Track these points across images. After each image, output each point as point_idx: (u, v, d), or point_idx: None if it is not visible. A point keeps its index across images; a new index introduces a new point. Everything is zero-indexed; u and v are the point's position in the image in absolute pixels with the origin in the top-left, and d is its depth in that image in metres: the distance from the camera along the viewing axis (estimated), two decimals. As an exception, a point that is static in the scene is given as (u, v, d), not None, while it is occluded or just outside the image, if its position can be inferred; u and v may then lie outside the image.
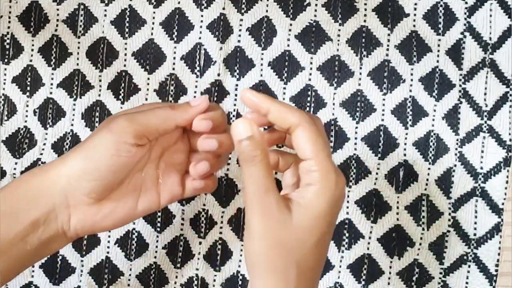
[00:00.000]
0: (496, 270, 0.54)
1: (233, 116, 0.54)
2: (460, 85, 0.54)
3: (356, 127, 0.55)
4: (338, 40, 0.55)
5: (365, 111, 0.54)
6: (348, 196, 0.54)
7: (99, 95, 0.55)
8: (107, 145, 0.38)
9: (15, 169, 0.54)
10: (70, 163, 0.38)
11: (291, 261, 0.36)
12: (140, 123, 0.39)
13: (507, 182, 0.54)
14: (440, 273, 0.54)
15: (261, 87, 0.55)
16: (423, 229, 0.54)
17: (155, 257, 0.55)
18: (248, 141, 0.37)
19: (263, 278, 0.36)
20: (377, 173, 0.55)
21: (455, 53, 0.54)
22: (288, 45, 0.55)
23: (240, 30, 0.55)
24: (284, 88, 0.55)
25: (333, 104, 0.55)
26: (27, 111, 0.55)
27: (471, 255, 0.54)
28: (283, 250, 0.36)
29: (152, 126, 0.39)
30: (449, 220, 0.54)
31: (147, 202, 0.41)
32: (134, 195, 0.41)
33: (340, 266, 0.55)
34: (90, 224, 0.40)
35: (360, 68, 0.54)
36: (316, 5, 0.55)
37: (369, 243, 0.55)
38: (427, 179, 0.54)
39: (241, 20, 0.55)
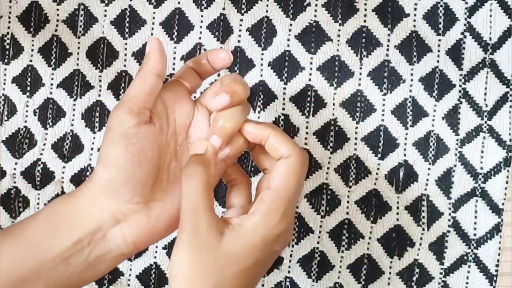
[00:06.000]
0: (496, 270, 0.54)
1: (233, 116, 0.54)
2: (460, 85, 0.54)
3: (356, 127, 0.55)
4: (338, 40, 0.55)
5: (365, 111, 0.54)
6: (348, 196, 0.55)
7: (99, 95, 0.55)
8: (116, 142, 0.37)
9: (15, 169, 0.54)
10: (95, 178, 0.37)
11: (209, 283, 0.35)
12: (128, 100, 0.38)
13: (507, 182, 0.54)
14: (440, 273, 0.54)
15: (261, 87, 0.55)
16: (423, 229, 0.54)
17: (155, 257, 0.55)
18: (197, 156, 0.37)
19: None
20: (377, 173, 0.55)
21: (455, 53, 0.54)
22: (288, 45, 0.55)
23: (240, 30, 0.55)
24: (284, 88, 0.55)
25: (333, 104, 0.55)
26: (27, 111, 0.55)
27: (471, 255, 0.54)
28: (204, 271, 0.35)
29: (138, 93, 0.38)
30: (449, 220, 0.54)
31: None
32: (178, 186, 0.39)
33: (340, 266, 0.55)
34: (146, 232, 0.38)
35: (360, 68, 0.54)
36: (316, 5, 0.55)
37: (369, 243, 0.55)
38: (427, 179, 0.54)
39: (241, 20, 0.55)
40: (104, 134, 0.38)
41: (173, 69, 0.55)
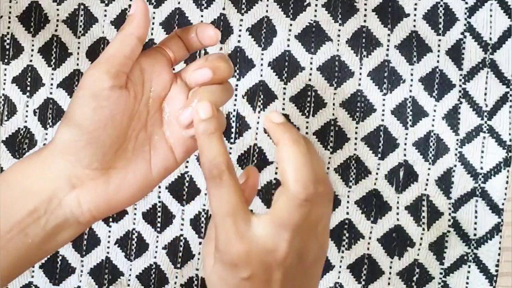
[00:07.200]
0: (497, 271, 0.54)
1: (233, 116, 0.54)
2: (460, 85, 0.54)
3: (356, 127, 0.55)
4: (338, 40, 0.55)
5: (365, 111, 0.54)
6: (348, 196, 0.54)
7: (99, 95, 0.55)
8: (85, 102, 0.35)
9: (15, 169, 0.54)
10: (56, 139, 0.36)
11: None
12: (105, 61, 0.36)
13: (507, 182, 0.54)
14: (440, 273, 0.54)
15: (261, 87, 0.55)
16: (423, 229, 0.54)
17: (155, 257, 0.55)
18: (206, 122, 0.35)
19: None
20: (377, 173, 0.55)
21: (455, 53, 0.54)
22: (288, 45, 0.55)
23: (240, 30, 0.55)
24: (284, 88, 0.55)
25: (333, 104, 0.55)
26: (27, 111, 0.55)
27: (471, 255, 0.54)
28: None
29: (117, 55, 0.36)
30: (449, 220, 0.54)
31: (161, 161, 0.38)
32: (144, 158, 0.38)
33: (340, 266, 0.55)
34: (104, 201, 0.36)
35: (360, 68, 0.54)
36: (316, 5, 0.55)
37: (369, 243, 0.55)
38: (427, 179, 0.54)
39: (241, 20, 0.55)
40: (74, 93, 0.36)
41: (173, 69, 0.55)
